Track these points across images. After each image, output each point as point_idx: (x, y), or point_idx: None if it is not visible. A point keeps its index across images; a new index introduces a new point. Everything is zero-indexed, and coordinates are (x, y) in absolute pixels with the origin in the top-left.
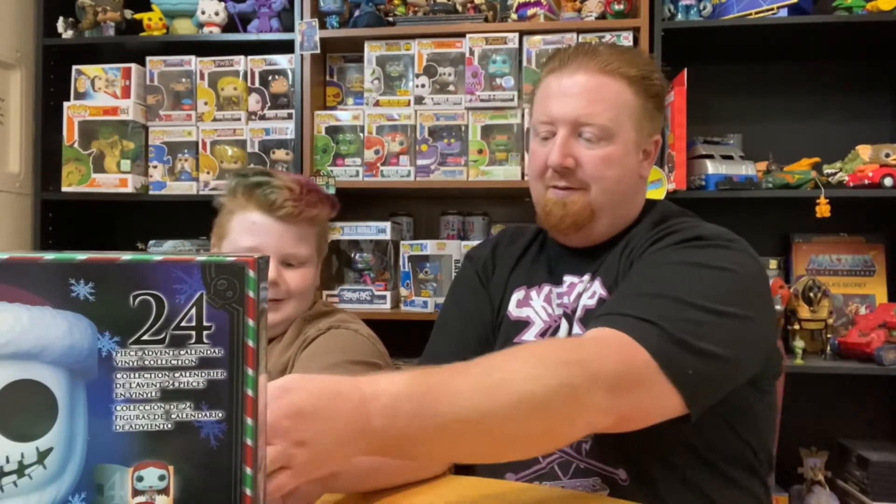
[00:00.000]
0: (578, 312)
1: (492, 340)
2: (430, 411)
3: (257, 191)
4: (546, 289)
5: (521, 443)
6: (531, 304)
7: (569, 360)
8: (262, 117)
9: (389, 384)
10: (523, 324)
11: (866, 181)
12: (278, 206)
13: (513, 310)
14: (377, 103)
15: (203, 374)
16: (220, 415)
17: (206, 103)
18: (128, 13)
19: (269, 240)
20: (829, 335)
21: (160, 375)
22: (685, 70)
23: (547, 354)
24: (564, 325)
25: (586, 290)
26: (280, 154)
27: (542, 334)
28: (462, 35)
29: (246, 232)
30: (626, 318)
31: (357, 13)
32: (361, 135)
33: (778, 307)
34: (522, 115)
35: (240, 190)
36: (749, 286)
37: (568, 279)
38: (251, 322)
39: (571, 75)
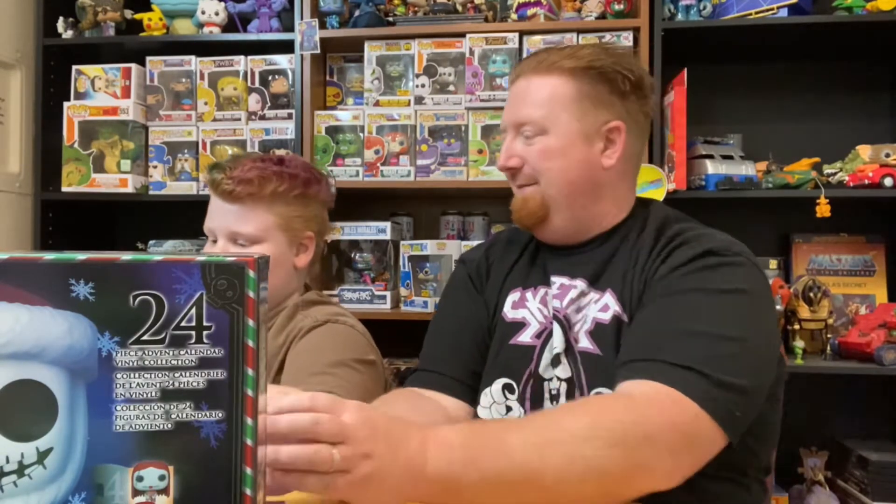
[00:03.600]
0: (587, 324)
1: (487, 343)
2: (483, 463)
3: (211, 172)
4: (542, 290)
5: (574, 501)
6: (527, 306)
7: (624, 422)
8: (262, 117)
9: (449, 432)
10: (519, 325)
11: (866, 181)
12: (217, 184)
13: (508, 311)
14: (377, 103)
15: (203, 374)
16: (220, 415)
17: (206, 103)
18: (128, 13)
19: (216, 219)
20: (829, 335)
21: (160, 375)
22: (685, 70)
23: (601, 415)
24: (558, 330)
25: (592, 299)
26: (280, 154)
27: (538, 335)
28: (462, 35)
29: (208, 213)
30: (667, 367)
31: (357, 13)
32: (361, 135)
33: (778, 307)
34: None
35: (207, 177)
36: (762, 304)
37: (557, 280)
38: (251, 322)
39: (514, 83)
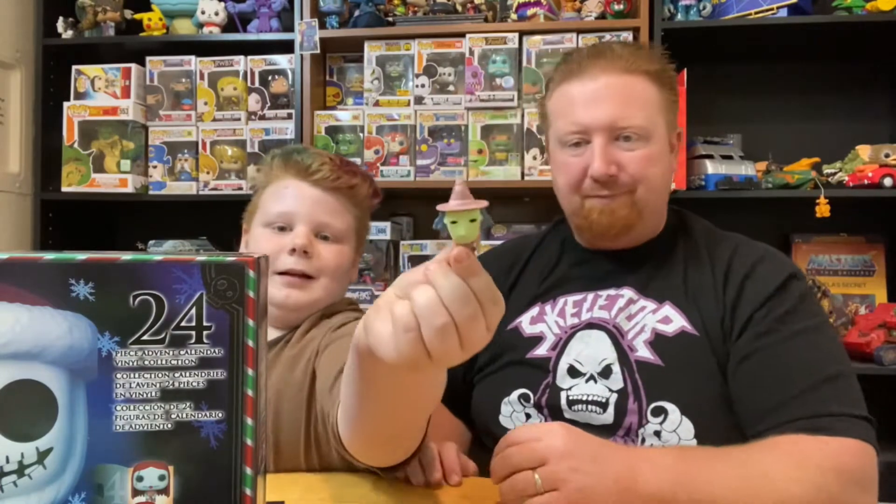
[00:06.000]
0: (646, 334)
1: (490, 350)
2: (692, 486)
3: (293, 157)
4: (561, 301)
5: None
6: (545, 320)
7: (824, 467)
8: (262, 117)
9: (659, 453)
10: (536, 339)
11: (866, 181)
12: (315, 170)
13: (526, 327)
14: (377, 103)
15: (203, 374)
16: (220, 415)
17: (205, 103)
18: (128, 13)
19: (302, 205)
20: None
21: (160, 375)
22: (685, 70)
23: (804, 458)
24: (605, 340)
25: (645, 308)
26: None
27: (554, 347)
28: (462, 35)
29: (278, 198)
30: (842, 419)
31: (357, 13)
32: (361, 135)
33: None
34: (522, 116)
35: (275, 161)
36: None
37: (604, 292)
38: (251, 322)
39: (595, 79)
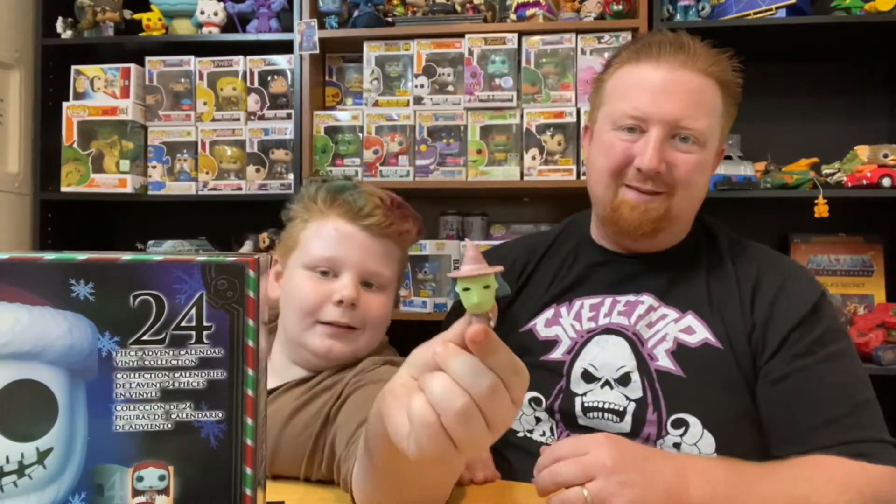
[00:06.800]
0: (667, 343)
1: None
2: (745, 499)
3: (342, 195)
4: (578, 304)
5: None
6: (560, 323)
7: (865, 494)
8: (262, 117)
9: (709, 464)
10: (551, 343)
11: (865, 181)
12: (367, 214)
13: (541, 329)
14: (376, 103)
15: (203, 374)
16: (220, 415)
17: (205, 103)
18: (127, 13)
19: (351, 251)
20: None
21: (160, 375)
22: None
23: (847, 483)
24: (625, 347)
25: (666, 317)
26: (279, 154)
27: (569, 352)
28: (461, 35)
29: (324, 239)
30: (879, 445)
31: (356, 13)
32: (360, 135)
33: None
34: (521, 116)
35: (320, 195)
36: None
37: (623, 297)
38: (251, 322)
39: (672, 70)
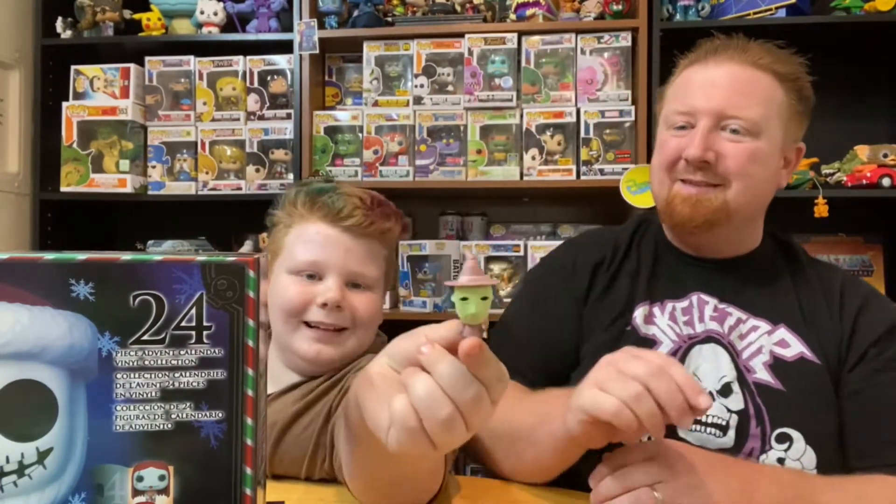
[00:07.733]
0: (764, 356)
1: (572, 354)
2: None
3: (321, 198)
4: (669, 306)
5: None
6: (655, 322)
7: None
8: (261, 117)
9: (775, 469)
10: (650, 342)
11: (864, 181)
12: (346, 215)
13: (641, 325)
14: (376, 103)
15: (203, 374)
16: (220, 415)
17: (204, 103)
18: (127, 13)
19: (333, 253)
20: None
21: (160, 375)
22: None
23: None
24: (724, 355)
25: (757, 329)
26: (279, 154)
27: (673, 354)
28: (461, 35)
29: (307, 243)
30: None
31: (356, 13)
32: (360, 135)
33: None
34: (521, 116)
35: (300, 199)
36: None
37: (694, 297)
38: (251, 322)
39: (718, 65)
